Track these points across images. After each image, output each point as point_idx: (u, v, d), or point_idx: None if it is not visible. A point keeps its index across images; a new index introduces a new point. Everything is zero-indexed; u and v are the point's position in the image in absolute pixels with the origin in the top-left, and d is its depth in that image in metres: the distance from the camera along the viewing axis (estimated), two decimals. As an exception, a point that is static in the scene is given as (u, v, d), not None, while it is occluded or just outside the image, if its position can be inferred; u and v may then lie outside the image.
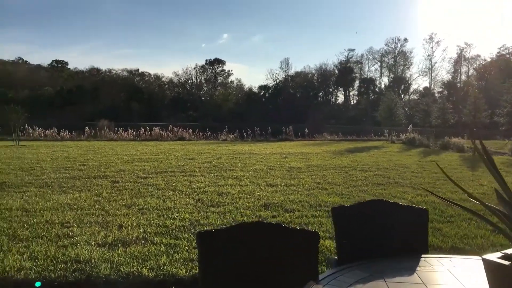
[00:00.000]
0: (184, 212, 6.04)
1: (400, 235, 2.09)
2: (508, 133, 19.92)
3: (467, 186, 8.82)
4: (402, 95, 71.86)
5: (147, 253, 4.27)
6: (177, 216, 5.80)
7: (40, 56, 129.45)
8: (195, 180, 9.10)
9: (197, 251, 1.77)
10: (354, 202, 6.36)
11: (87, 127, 28.62)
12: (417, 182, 9.12)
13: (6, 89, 66.07)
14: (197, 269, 3.78)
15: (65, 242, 4.61)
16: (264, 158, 13.71)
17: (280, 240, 1.65)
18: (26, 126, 27.47)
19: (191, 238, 4.82)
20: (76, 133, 28.32)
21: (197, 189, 8.01)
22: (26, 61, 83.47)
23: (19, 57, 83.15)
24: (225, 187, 8.23)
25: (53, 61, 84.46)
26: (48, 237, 4.78)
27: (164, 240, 4.71)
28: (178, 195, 7.40)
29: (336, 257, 2.06)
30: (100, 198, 7.01)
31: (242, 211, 6.19)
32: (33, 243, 4.55)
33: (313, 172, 10.57)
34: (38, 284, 3.58)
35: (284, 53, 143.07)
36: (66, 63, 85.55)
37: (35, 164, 11.40)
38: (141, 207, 6.40)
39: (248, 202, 6.78)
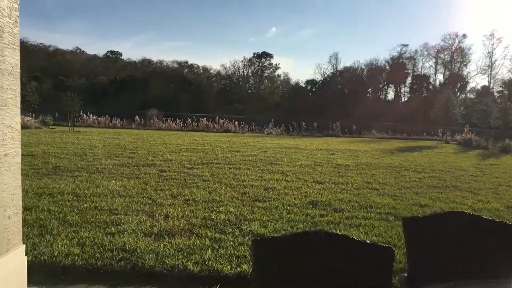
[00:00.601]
0: (230, 206, 5.92)
1: (485, 254, 1.78)
2: None
3: (534, 194, 8.07)
4: (458, 94, 68.23)
5: (192, 246, 4.17)
6: (222, 209, 5.69)
7: (96, 47, 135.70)
8: (241, 173, 8.98)
9: (250, 256, 1.53)
10: (409, 205, 5.86)
11: (137, 116, 29.50)
12: (476, 187, 8.47)
13: (64, 77, 69.73)
14: (243, 268, 3.63)
15: (113, 229, 4.62)
16: (311, 154, 13.39)
17: (347, 253, 1.43)
18: (81, 113, 28.76)
19: (236, 233, 4.67)
20: (127, 121, 29.29)
21: (243, 182, 7.88)
22: (83, 51, 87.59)
23: (77, 47, 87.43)
24: (271, 181, 8.05)
25: (108, 51, 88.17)
26: (97, 223, 4.82)
27: (209, 234, 4.60)
28: (223, 187, 7.31)
29: (406, 274, 1.81)
30: (147, 187, 7.05)
31: (288, 207, 5.98)
32: (82, 229, 4.59)
33: (362, 170, 10.15)
34: None
35: (333, 48, 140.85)
36: (120, 54, 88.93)
37: (87, 150, 11.79)
38: (187, 197, 6.35)
39: (294, 199, 6.55)
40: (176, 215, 5.32)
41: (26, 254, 2.60)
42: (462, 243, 1.81)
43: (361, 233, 4.85)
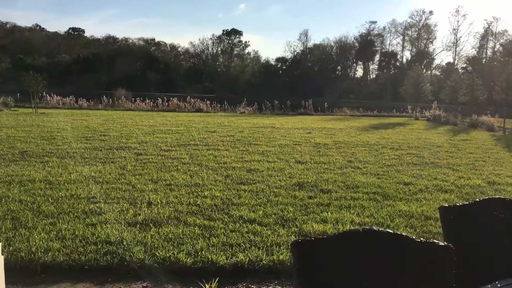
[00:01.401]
0: (215, 190, 5.70)
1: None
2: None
3: (509, 168, 8.28)
4: (424, 70, 69.69)
5: (181, 236, 3.94)
6: (207, 194, 5.46)
7: (56, 23, 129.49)
8: (220, 154, 8.74)
9: (292, 261, 1.32)
10: (394, 183, 6.10)
11: (104, 96, 28.41)
12: (454, 163, 8.60)
13: (23, 56, 66.22)
14: (239, 257, 3.44)
15: (93, 219, 4.32)
16: (288, 133, 13.27)
17: (402, 253, 1.25)
18: (44, 94, 27.39)
19: (226, 219, 4.47)
20: (94, 101, 28.17)
21: (224, 164, 7.65)
22: (43, 28, 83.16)
23: (36, 23, 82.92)
24: (252, 163, 7.86)
25: (69, 28, 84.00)
26: (75, 214, 4.50)
27: (197, 221, 4.37)
28: (205, 170, 7.06)
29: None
30: (125, 171, 6.71)
31: (275, 190, 5.82)
32: (60, 220, 4.27)
33: (341, 149, 10.11)
34: None
35: (303, 25, 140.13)
36: (83, 31, 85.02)
37: (55, 133, 11.19)
38: (168, 182, 6.08)
39: (280, 181, 6.40)
40: (159, 201, 5.06)
41: (1, 252, 2.31)
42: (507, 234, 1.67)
43: (353, 215, 4.76)
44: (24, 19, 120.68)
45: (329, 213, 4.75)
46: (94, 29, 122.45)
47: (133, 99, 29.34)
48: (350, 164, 8.05)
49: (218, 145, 10.13)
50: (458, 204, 1.75)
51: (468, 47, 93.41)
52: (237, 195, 5.48)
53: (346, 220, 4.55)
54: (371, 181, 6.58)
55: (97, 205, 4.82)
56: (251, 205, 5.05)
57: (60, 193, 5.26)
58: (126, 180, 6.13)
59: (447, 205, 1.70)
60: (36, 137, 10.32)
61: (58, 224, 4.14)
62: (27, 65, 55.26)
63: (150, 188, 5.68)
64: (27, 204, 4.78)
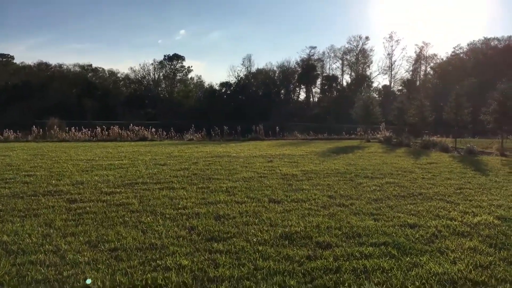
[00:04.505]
0: (179, 254, 4.18)
1: None
2: (494, 131, 19.32)
3: (500, 195, 7.51)
4: (363, 93, 72.19)
5: None
6: (170, 264, 3.93)
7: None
8: (177, 195, 7.19)
9: None
10: (398, 226, 5.28)
11: (34, 126, 25.50)
12: (441, 193, 7.71)
13: None
14: None
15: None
16: (248, 162, 11.94)
17: None
18: (-37, 125, 24.10)
19: (205, 312, 3.00)
20: (23, 132, 25.13)
21: (184, 209, 6.13)
22: (-35, 54, 76.32)
23: (-44, 49, 75.89)
24: (219, 205, 6.41)
25: (-4, 54, 77.86)
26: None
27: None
28: (161, 220, 5.50)
29: None
30: (51, 230, 4.98)
31: (260, 248, 4.42)
32: None
33: (313, 180, 8.95)
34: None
35: (245, 51, 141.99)
36: (12, 57, 79.26)
37: (-36, 176, 9.00)
38: (112, 245, 4.46)
39: (261, 232, 5.01)
40: (101, 285, 3.45)
41: None
42: None
43: (380, 286, 3.48)
44: None
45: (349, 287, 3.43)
46: (25, 55, 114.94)
47: (68, 128, 26.64)
48: (333, 201, 6.85)
49: (172, 181, 8.56)
50: None
51: (402, 71, 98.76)
52: (212, 262, 4.00)
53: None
54: (370, 224, 5.38)
55: (2, 300, 3.14)
56: (235, 279, 3.61)
57: None
58: (52, 245, 4.42)
59: None
60: None
61: None
62: None
63: (87, 259, 4.03)
64: None
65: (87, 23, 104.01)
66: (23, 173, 9.48)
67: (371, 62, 78.92)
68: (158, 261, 4.00)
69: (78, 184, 8.10)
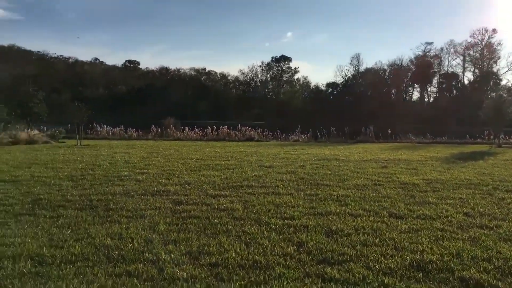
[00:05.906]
0: (286, 279, 3.54)
1: None
2: None
3: None
4: (489, 92, 64.07)
5: None
6: (277, 291, 3.31)
7: (114, 58, 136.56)
8: (283, 202, 6.61)
9: None
10: None
11: (153, 125, 27.56)
12: None
13: (82, 88, 68.78)
14: None
15: None
16: (359, 167, 10.91)
17: None
18: (95, 124, 26.99)
19: None
20: (143, 131, 27.34)
21: (291, 220, 5.50)
22: (102, 62, 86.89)
23: (95, 57, 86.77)
24: (330, 218, 5.65)
25: (126, 61, 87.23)
26: None
27: None
28: (266, 232, 4.94)
29: None
30: (154, 236, 4.74)
31: (385, 279, 3.56)
32: None
33: (441, 192, 7.62)
34: None
35: (353, 50, 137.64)
36: (138, 63, 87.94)
37: (87, 171, 9.63)
38: (213, 260, 4.00)
39: (384, 257, 4.12)
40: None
41: None
42: None
43: None
44: (85, 54, 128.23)
45: None
46: (149, 61, 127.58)
47: (182, 127, 28.24)
48: (472, 221, 5.58)
49: (278, 186, 8.02)
50: None
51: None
52: (326, 294, 3.28)
53: None
54: (532, 258, 4.12)
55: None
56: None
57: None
58: (152, 254, 4.13)
59: None
60: (64, 177, 8.77)
61: None
62: (84, 96, 57.04)
63: (185, 275, 3.61)
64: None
65: (199, 32, 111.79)
66: (137, 170, 9.85)
67: (499, 58, 69.40)
68: (262, 286, 3.41)
69: (185, 185, 8.03)
